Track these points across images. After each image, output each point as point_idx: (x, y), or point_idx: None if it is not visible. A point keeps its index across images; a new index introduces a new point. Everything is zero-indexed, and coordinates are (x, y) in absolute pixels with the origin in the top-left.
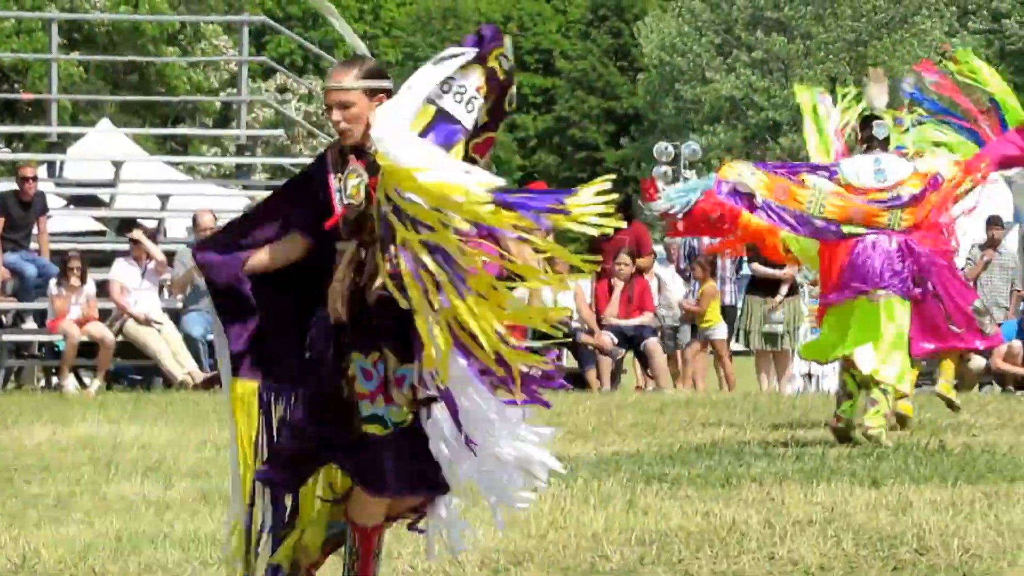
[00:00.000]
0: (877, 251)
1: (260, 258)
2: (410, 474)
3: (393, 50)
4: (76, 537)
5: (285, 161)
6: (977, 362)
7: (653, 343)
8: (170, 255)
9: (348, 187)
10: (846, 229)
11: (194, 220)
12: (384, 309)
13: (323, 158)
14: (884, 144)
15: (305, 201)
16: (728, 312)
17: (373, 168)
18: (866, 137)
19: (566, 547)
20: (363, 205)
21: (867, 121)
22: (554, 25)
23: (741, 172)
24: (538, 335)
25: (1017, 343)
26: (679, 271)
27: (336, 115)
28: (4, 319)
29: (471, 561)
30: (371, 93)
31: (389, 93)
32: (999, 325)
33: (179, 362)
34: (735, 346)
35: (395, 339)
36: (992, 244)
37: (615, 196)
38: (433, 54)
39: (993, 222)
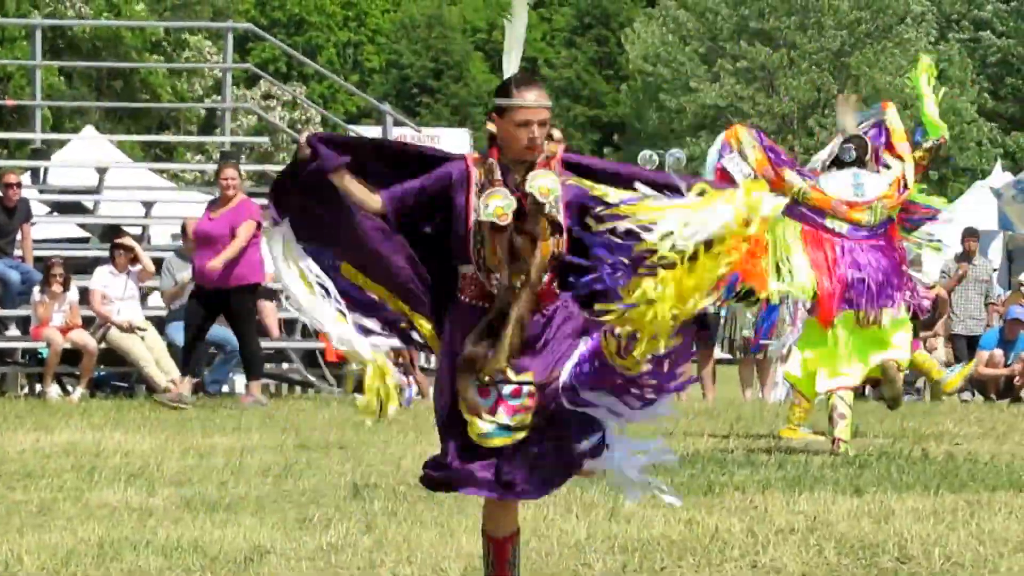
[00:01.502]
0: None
1: (352, 185)
2: (541, 473)
3: (377, 57)
4: (59, 544)
5: (269, 168)
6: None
7: None
8: (157, 262)
9: (492, 206)
10: (829, 222)
11: (183, 228)
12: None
13: (467, 168)
14: (860, 163)
15: (428, 196)
16: (710, 320)
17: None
18: (834, 160)
19: (549, 555)
20: (509, 228)
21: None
22: (539, 33)
23: (744, 143)
24: None
25: (998, 352)
26: None
27: (536, 131)
28: None
29: (454, 569)
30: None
31: None
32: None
33: (162, 369)
34: (719, 354)
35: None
36: (967, 257)
37: None
38: (418, 61)
39: (969, 234)
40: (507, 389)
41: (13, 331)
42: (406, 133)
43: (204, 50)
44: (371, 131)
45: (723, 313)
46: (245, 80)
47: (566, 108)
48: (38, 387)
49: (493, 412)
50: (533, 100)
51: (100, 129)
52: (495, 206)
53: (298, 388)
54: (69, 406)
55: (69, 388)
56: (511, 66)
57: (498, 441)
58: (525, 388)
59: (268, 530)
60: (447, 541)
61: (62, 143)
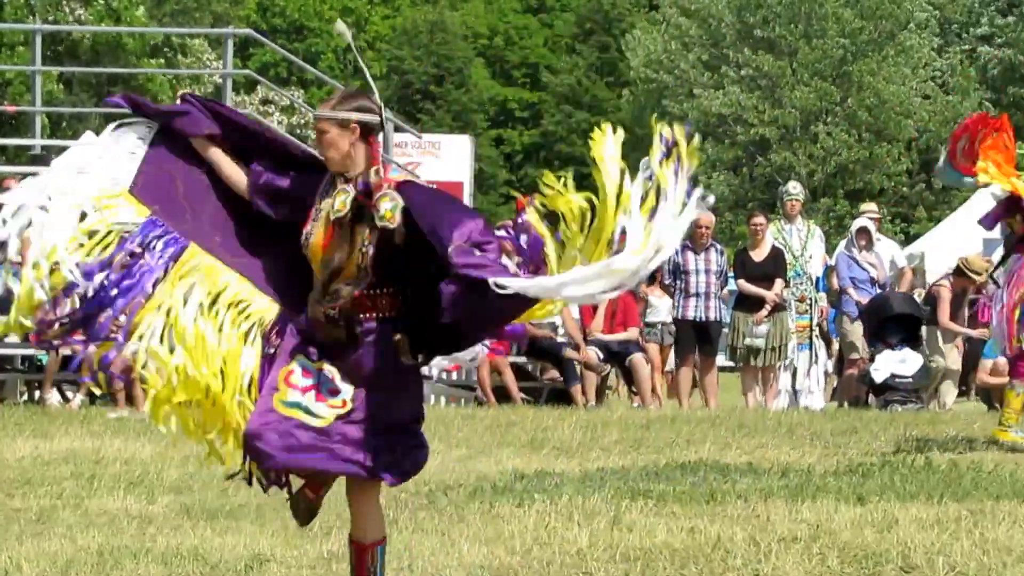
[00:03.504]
0: None
1: (220, 157)
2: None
3: (378, 64)
4: (58, 552)
5: None
6: None
7: (638, 359)
8: None
9: (336, 203)
10: None
11: None
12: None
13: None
14: None
15: (289, 188)
16: (712, 328)
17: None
18: None
19: (551, 563)
20: (347, 217)
21: None
22: (541, 39)
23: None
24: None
25: (1002, 360)
26: (663, 287)
27: (321, 140)
28: None
29: None
30: (343, 124)
31: (366, 126)
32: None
33: None
34: (723, 361)
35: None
36: None
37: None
38: (419, 67)
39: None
40: (326, 387)
41: (12, 338)
42: (407, 139)
43: (204, 55)
44: None
45: (726, 321)
46: (245, 86)
47: (567, 114)
48: (37, 394)
49: (304, 392)
50: (318, 110)
51: (99, 135)
52: (339, 201)
53: None
54: (69, 413)
55: (69, 395)
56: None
57: (293, 413)
58: (341, 396)
59: (268, 538)
60: (448, 549)
61: (61, 149)
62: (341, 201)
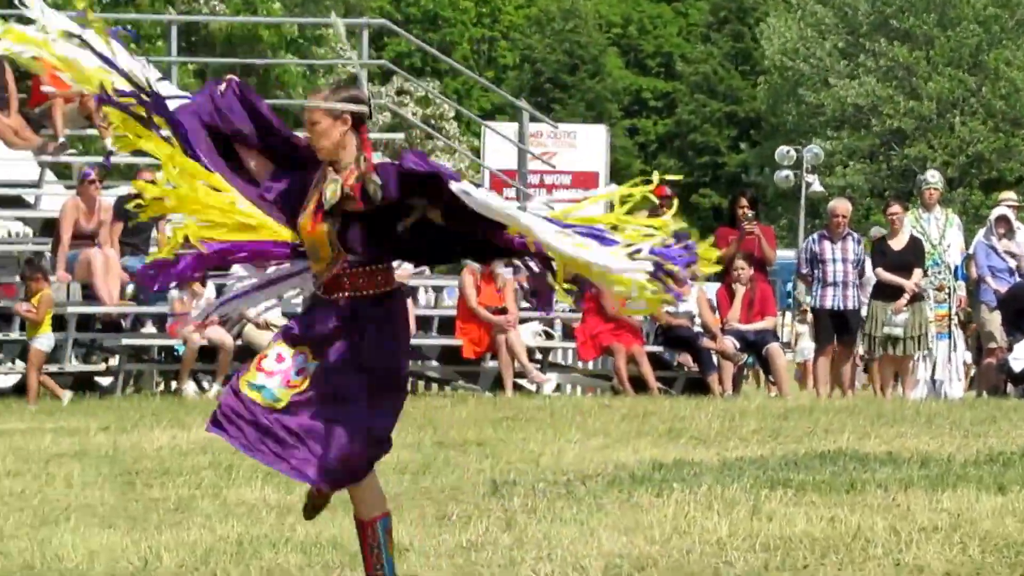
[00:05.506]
0: None
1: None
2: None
3: (511, 53)
4: (197, 541)
5: None
6: None
7: (775, 348)
8: None
9: (327, 193)
10: None
11: None
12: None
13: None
14: None
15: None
16: (851, 316)
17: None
18: None
19: (690, 553)
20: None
21: None
22: (675, 28)
23: None
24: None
25: None
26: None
27: (310, 130)
28: (124, 323)
29: (595, 567)
30: (335, 114)
31: (357, 116)
32: None
33: None
34: (861, 351)
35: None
36: None
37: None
38: (552, 56)
39: None
40: (295, 370)
41: (149, 328)
42: (543, 129)
43: (338, 47)
44: (507, 127)
45: (864, 310)
46: (379, 76)
47: (702, 104)
48: (174, 384)
49: (270, 376)
50: (308, 100)
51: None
52: (329, 191)
53: (435, 385)
54: (206, 403)
55: (205, 385)
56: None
57: (257, 397)
58: (308, 369)
59: (407, 527)
60: (587, 539)
61: None
62: (332, 191)
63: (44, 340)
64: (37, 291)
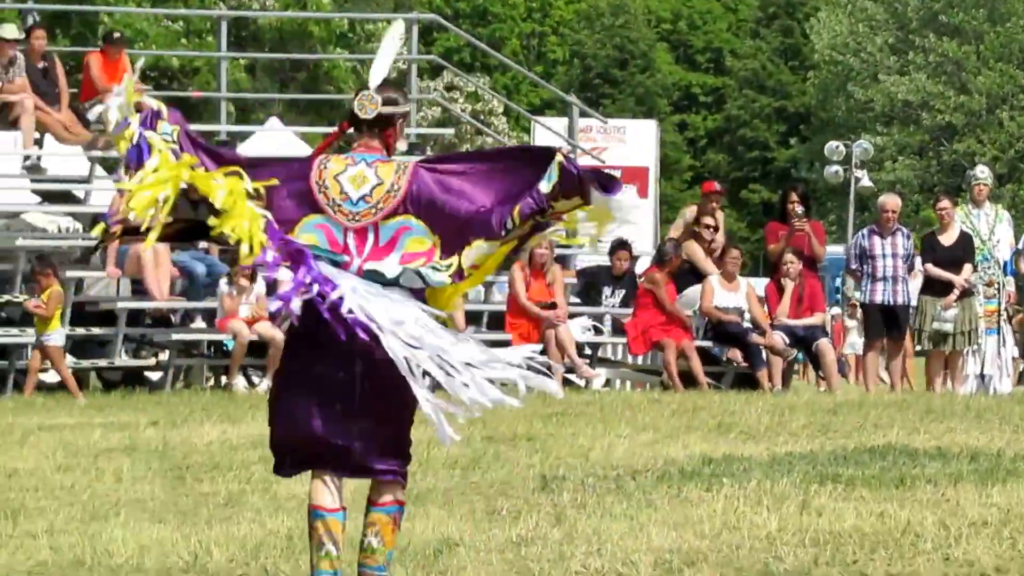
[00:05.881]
0: None
1: None
2: None
3: (561, 48)
4: (247, 536)
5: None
6: None
7: (824, 343)
8: None
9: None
10: None
11: None
12: None
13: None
14: None
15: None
16: (901, 312)
17: None
18: None
19: (739, 548)
20: None
21: None
22: (724, 23)
23: None
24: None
25: None
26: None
27: None
28: (173, 318)
29: (644, 562)
30: None
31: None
32: None
33: None
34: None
35: None
36: None
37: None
38: (601, 52)
39: None
40: None
41: (199, 323)
42: (593, 124)
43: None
44: (556, 122)
45: (913, 305)
46: (428, 72)
47: (751, 99)
48: (224, 379)
49: None
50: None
51: (284, 121)
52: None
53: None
54: (255, 398)
55: (255, 380)
56: (374, 78)
57: None
58: None
59: (457, 522)
60: (637, 534)
61: (246, 135)
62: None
63: (56, 335)
64: (47, 287)
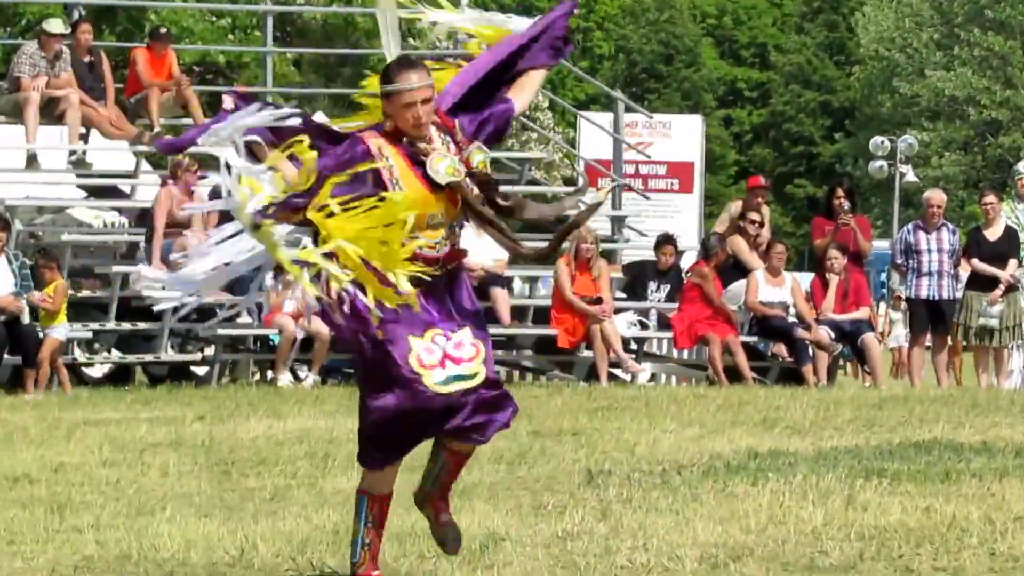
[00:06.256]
0: None
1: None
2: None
3: (606, 43)
4: (293, 530)
5: (499, 155)
6: None
7: (870, 338)
8: None
9: (443, 167)
10: None
11: None
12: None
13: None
14: None
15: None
16: (945, 307)
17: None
18: None
19: (785, 542)
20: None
21: None
22: (769, 19)
23: None
24: None
25: None
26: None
27: (421, 110)
28: (219, 313)
29: (690, 556)
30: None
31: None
32: None
33: None
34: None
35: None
36: None
37: None
38: (647, 47)
39: None
40: (449, 345)
41: (245, 318)
42: (638, 119)
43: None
44: (601, 117)
45: (958, 300)
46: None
47: (796, 94)
48: (269, 374)
49: (443, 365)
50: (416, 82)
51: (330, 115)
52: (444, 167)
53: (530, 375)
54: (301, 393)
55: (301, 375)
56: (389, 52)
57: (454, 387)
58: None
59: (503, 517)
60: (682, 528)
61: None
62: (448, 166)
63: (60, 330)
64: (51, 280)
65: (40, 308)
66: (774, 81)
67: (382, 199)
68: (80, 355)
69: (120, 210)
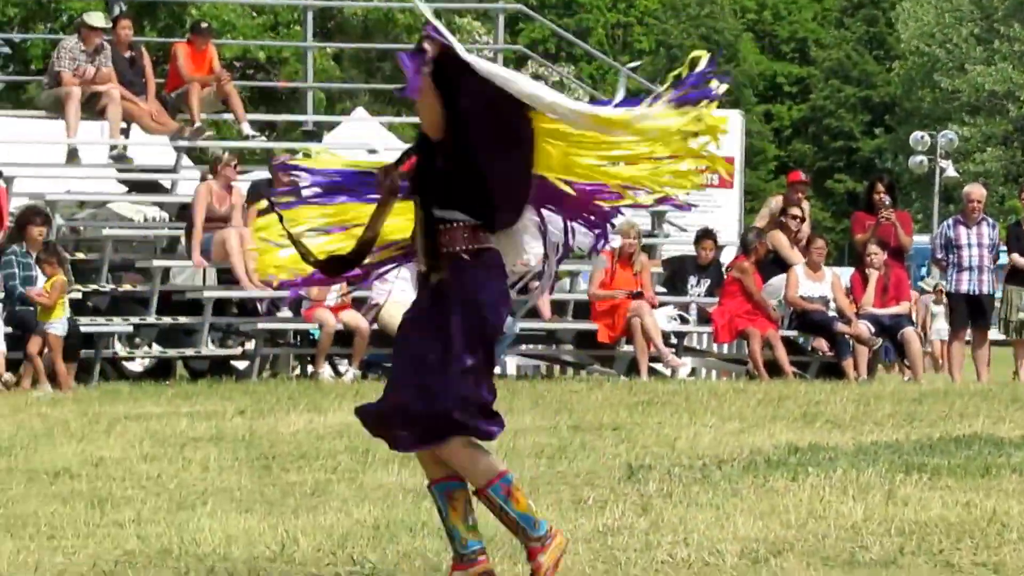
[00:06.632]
0: None
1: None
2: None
3: (647, 38)
4: (334, 525)
5: None
6: None
7: (910, 332)
8: None
9: None
10: None
11: None
12: None
13: None
14: None
15: None
16: (986, 301)
17: None
18: None
19: (826, 537)
20: None
21: None
22: (809, 13)
23: None
24: None
25: None
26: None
27: None
28: (259, 307)
29: (730, 551)
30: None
31: None
32: None
33: None
34: (994, 335)
35: None
36: None
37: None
38: (687, 42)
39: None
40: None
41: (285, 312)
42: None
43: (474, 31)
44: None
45: (998, 295)
46: (514, 61)
47: (836, 89)
48: (310, 368)
49: None
50: None
51: (370, 111)
52: None
53: (570, 370)
54: (342, 387)
55: (341, 369)
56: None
57: None
58: None
59: (543, 511)
60: (723, 523)
61: (333, 125)
62: None
63: (58, 325)
64: (52, 275)
65: (37, 303)
66: (814, 76)
67: None
68: (121, 349)
69: (160, 205)
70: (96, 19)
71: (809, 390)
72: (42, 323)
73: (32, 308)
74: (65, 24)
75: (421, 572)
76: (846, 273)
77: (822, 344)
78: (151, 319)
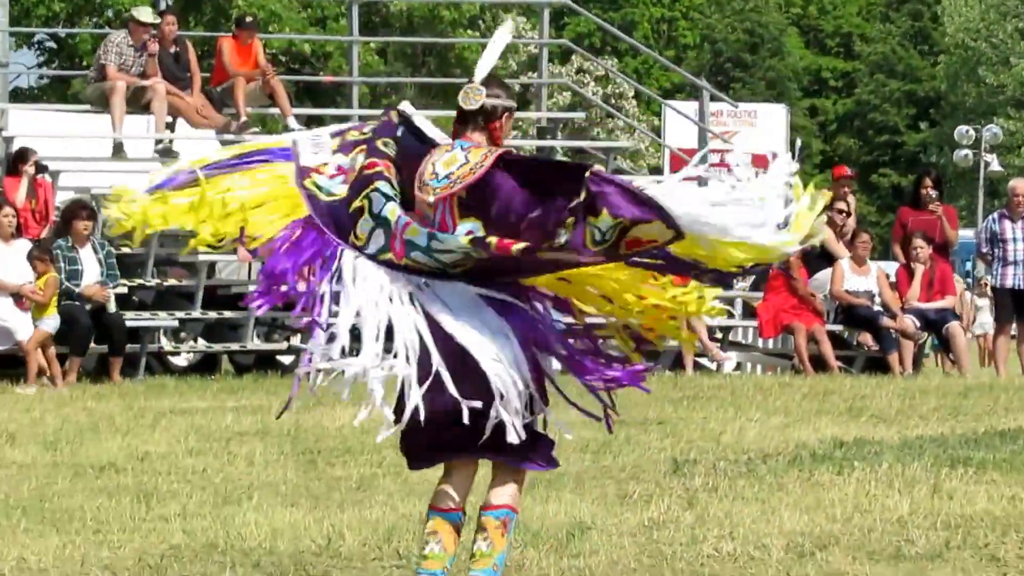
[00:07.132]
0: None
1: None
2: None
3: (692, 32)
4: (380, 519)
5: (585, 144)
6: None
7: (955, 327)
8: None
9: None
10: None
11: None
12: None
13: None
14: None
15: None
16: (1018, 296)
17: None
18: None
19: (871, 531)
20: None
21: None
22: (854, 8)
23: None
24: None
25: None
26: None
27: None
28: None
29: (776, 545)
30: None
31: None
32: None
33: None
34: None
35: None
36: None
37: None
38: (731, 36)
39: None
40: None
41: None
42: (723, 108)
43: (520, 26)
44: (687, 106)
45: None
46: (559, 56)
47: (881, 83)
48: None
49: None
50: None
51: (416, 105)
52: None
53: None
54: (386, 382)
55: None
56: (478, 73)
57: None
58: None
59: (589, 506)
60: (768, 517)
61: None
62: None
63: (50, 322)
64: (44, 273)
65: (31, 300)
66: (859, 70)
67: None
68: (166, 344)
69: None
70: (145, 14)
71: (854, 384)
72: (36, 320)
73: (79, 303)
74: (111, 19)
75: (465, 566)
76: (891, 267)
77: (867, 339)
78: (196, 313)
